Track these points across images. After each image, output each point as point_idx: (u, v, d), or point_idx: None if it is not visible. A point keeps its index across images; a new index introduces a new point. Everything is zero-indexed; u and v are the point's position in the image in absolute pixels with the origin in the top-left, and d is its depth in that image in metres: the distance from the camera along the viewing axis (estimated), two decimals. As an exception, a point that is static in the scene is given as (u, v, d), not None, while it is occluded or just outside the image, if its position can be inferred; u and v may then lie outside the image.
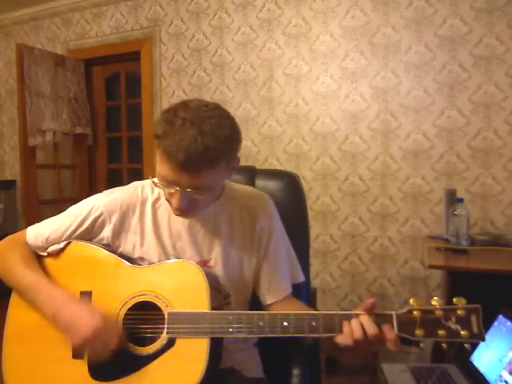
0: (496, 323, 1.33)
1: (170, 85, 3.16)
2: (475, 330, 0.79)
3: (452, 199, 2.05)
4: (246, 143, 2.86)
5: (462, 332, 0.78)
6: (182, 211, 0.92)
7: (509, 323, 1.27)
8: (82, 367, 0.92)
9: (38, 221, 1.06)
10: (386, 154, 2.51)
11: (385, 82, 2.49)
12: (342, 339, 0.82)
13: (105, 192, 1.06)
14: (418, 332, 0.80)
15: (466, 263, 1.75)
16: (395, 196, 2.50)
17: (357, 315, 0.82)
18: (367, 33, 2.52)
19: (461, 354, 1.42)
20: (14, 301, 1.01)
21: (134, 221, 1.02)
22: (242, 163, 0.98)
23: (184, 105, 0.88)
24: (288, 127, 2.77)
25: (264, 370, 1.09)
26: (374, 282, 2.57)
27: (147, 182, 1.06)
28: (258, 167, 1.37)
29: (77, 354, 0.94)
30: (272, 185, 1.25)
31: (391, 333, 0.80)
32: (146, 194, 1.04)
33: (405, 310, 0.82)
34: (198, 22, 3.03)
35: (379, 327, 0.80)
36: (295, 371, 1.09)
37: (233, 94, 2.93)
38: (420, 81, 2.41)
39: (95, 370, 0.92)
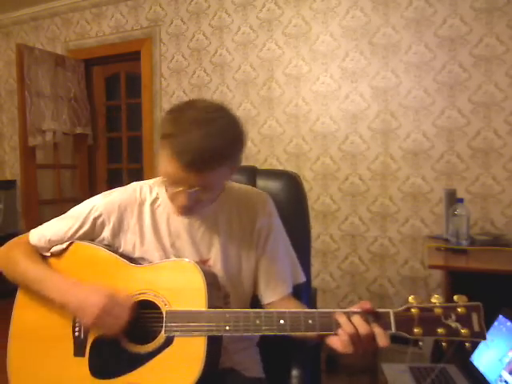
0: (496, 323, 1.33)
1: (170, 85, 3.16)
2: (476, 328, 0.76)
3: (452, 199, 2.05)
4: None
5: (462, 330, 0.76)
6: (187, 209, 0.93)
7: (509, 323, 1.27)
8: (83, 365, 0.94)
9: (38, 221, 1.07)
10: (386, 154, 2.51)
11: (385, 82, 2.49)
12: (336, 340, 0.79)
13: (104, 193, 1.07)
14: (417, 330, 0.77)
15: (465, 263, 1.75)
16: (395, 196, 2.50)
17: (353, 313, 0.80)
18: (367, 33, 2.52)
19: (461, 354, 1.42)
20: (19, 301, 1.03)
21: (133, 221, 1.03)
22: (242, 163, 0.99)
23: (191, 105, 0.89)
24: (288, 127, 2.77)
25: (264, 370, 1.09)
26: (374, 282, 2.56)
27: (145, 183, 1.07)
28: (258, 167, 1.37)
29: (78, 352, 0.95)
30: (273, 185, 1.25)
31: (377, 328, 0.78)
32: (144, 195, 1.05)
33: (403, 307, 0.80)
34: (198, 22, 3.03)
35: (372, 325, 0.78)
36: (295, 372, 1.08)
37: (233, 94, 2.93)
38: (420, 81, 2.41)
39: (95, 368, 0.93)
